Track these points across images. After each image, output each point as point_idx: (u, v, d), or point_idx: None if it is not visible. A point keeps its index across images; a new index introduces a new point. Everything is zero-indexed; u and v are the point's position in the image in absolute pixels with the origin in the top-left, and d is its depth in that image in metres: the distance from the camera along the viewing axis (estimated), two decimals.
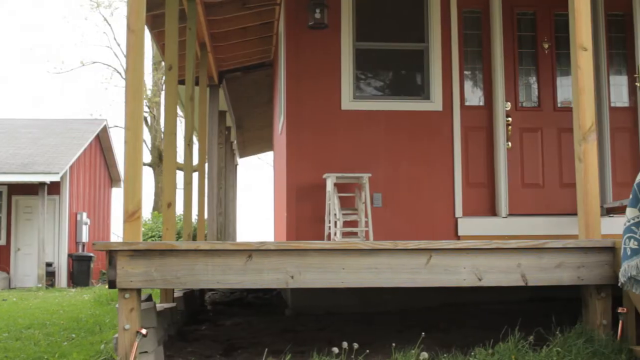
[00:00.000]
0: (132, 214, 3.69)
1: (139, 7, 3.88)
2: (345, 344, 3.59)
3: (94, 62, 27.55)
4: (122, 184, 18.27)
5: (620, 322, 3.70)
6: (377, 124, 6.24)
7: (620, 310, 3.71)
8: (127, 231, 3.68)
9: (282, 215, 6.74)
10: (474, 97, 6.44)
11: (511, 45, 6.44)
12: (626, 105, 6.51)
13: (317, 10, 6.11)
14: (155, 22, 7.48)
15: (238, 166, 16.41)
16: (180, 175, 6.75)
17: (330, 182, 5.90)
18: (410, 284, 3.73)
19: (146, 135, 19.75)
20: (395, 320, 5.27)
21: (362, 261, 3.70)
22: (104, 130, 17.42)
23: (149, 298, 4.08)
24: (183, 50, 8.20)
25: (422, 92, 6.35)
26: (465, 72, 6.45)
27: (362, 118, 6.23)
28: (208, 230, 9.36)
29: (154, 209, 19.11)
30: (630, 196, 3.64)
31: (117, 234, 19.64)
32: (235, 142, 14.72)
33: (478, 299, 5.69)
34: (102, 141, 17.75)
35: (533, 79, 6.52)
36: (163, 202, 5.30)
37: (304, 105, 6.19)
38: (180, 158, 7.21)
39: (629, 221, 3.58)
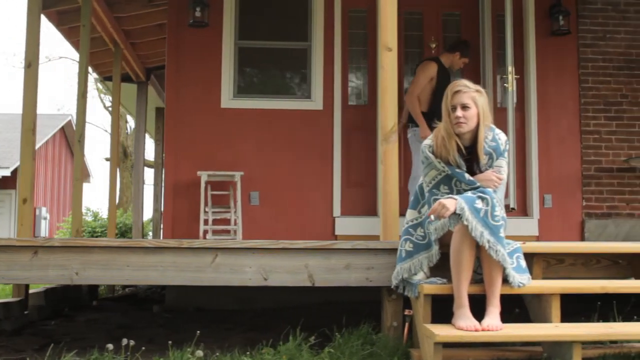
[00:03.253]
0: None
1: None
2: (125, 341, 3.61)
3: (60, 57, 27.20)
4: (91, 179, 18.37)
5: (407, 324, 3.68)
6: (257, 123, 6.24)
7: (406, 312, 3.68)
8: None
9: None
10: (358, 96, 6.42)
11: (402, 45, 6.39)
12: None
13: (197, 9, 6.12)
14: (62, 19, 7.52)
15: None
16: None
17: (202, 180, 5.91)
18: (196, 283, 3.74)
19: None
20: (245, 320, 5.27)
21: (147, 259, 3.71)
22: (69, 125, 17.53)
23: None
24: (102, 46, 8.29)
25: (304, 91, 6.35)
26: (350, 71, 6.43)
27: (242, 116, 6.23)
28: (133, 227, 9.39)
29: (119, 205, 19.17)
30: (412, 198, 3.63)
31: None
32: None
33: (356, 299, 5.66)
34: (68, 136, 17.86)
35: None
36: (21, 198, 5.31)
37: (184, 103, 6.20)
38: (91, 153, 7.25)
39: (407, 223, 3.56)
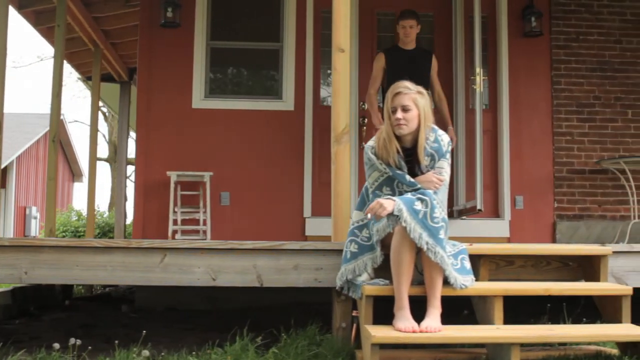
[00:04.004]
0: None
1: None
2: (73, 340, 3.63)
3: (53, 57, 27.16)
4: (84, 179, 18.40)
5: (354, 325, 3.68)
6: (228, 123, 6.25)
7: (354, 313, 3.69)
8: None
9: None
10: (330, 97, 6.41)
11: (370, 45, 6.42)
12: (486, 107, 6.44)
13: (169, 9, 6.14)
14: (40, 19, 7.55)
15: None
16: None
17: (172, 180, 5.93)
18: (145, 283, 3.75)
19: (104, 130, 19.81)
20: (210, 320, 5.28)
21: (96, 259, 3.72)
22: (61, 125, 17.57)
23: None
24: (82, 46, 8.32)
25: (275, 91, 6.36)
26: (322, 72, 6.44)
27: (213, 117, 6.24)
28: (116, 226, 9.41)
29: (110, 204, 19.21)
30: (358, 199, 3.63)
31: None
32: None
33: (327, 299, 5.67)
34: (60, 136, 17.88)
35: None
36: None
37: (155, 103, 6.22)
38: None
39: (353, 224, 3.57)
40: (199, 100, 6.23)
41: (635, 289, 4.01)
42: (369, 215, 3.23)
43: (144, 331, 4.36)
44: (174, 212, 5.91)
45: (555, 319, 3.90)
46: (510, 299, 3.73)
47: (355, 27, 6.31)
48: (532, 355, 3.43)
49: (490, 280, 3.68)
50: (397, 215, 3.17)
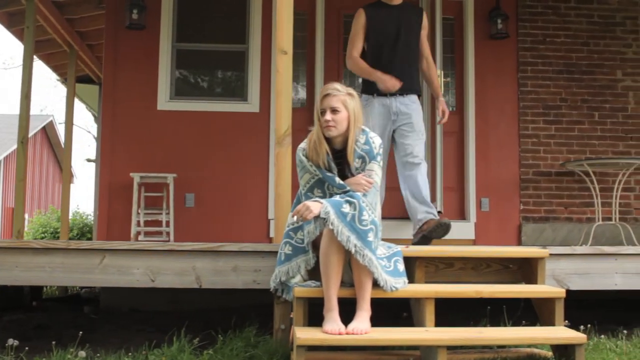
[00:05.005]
0: None
1: None
2: (11, 341, 3.64)
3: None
4: (75, 179, 18.41)
5: (292, 327, 3.68)
6: (194, 125, 6.26)
7: (292, 315, 3.69)
8: None
9: None
10: (296, 98, 6.43)
11: (336, 48, 6.42)
12: (453, 109, 6.44)
13: (134, 11, 6.15)
14: (13, 21, 7.58)
15: None
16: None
17: (135, 181, 5.94)
18: (84, 284, 3.78)
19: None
20: (167, 321, 5.27)
21: (36, 260, 3.74)
22: (51, 126, 17.66)
23: None
24: (58, 48, 8.34)
25: (241, 93, 6.37)
26: None
27: (179, 118, 6.25)
28: (94, 227, 9.41)
29: None
30: (294, 201, 3.64)
31: None
32: None
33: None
34: (50, 137, 17.99)
35: (358, 81, 6.48)
36: None
37: (120, 104, 6.23)
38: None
39: (288, 226, 3.58)
40: (164, 102, 6.24)
41: (597, 292, 4.02)
42: (294, 216, 3.24)
43: (97, 332, 4.40)
44: (138, 213, 5.92)
45: (496, 322, 3.89)
46: (456, 301, 3.75)
47: (322, 28, 6.32)
48: (466, 357, 3.43)
49: (428, 282, 3.69)
50: (325, 218, 3.17)
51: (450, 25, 6.51)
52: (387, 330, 3.27)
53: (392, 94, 4.81)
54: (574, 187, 6.40)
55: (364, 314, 3.23)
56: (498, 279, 3.81)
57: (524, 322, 3.80)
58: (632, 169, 6.03)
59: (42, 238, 11.13)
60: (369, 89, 4.89)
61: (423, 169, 4.86)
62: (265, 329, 3.95)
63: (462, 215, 6.35)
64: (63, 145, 19.15)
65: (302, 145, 3.47)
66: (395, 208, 5.89)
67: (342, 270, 3.25)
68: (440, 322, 3.40)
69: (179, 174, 6.08)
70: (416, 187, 4.80)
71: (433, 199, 5.67)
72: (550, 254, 3.82)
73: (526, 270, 3.78)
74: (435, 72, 5.15)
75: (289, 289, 3.48)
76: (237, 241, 4.25)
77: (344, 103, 3.34)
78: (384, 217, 6.10)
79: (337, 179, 3.35)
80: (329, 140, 3.39)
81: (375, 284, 3.28)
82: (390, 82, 4.73)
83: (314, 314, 3.51)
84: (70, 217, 11.73)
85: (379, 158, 3.42)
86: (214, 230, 6.11)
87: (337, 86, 3.40)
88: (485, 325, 3.80)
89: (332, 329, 3.14)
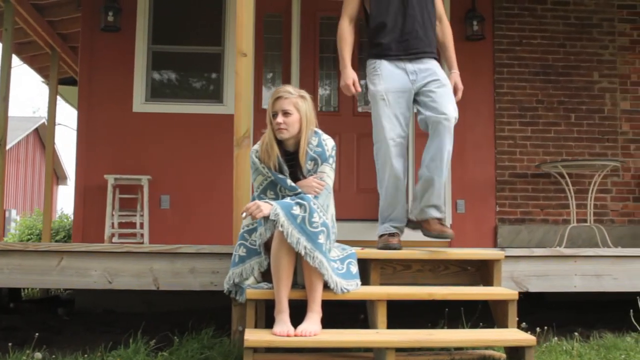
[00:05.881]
0: None
1: None
2: None
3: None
4: (68, 181, 18.45)
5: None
6: (169, 127, 6.27)
7: None
8: None
9: None
10: None
11: (312, 49, 6.43)
12: None
13: (110, 13, 6.17)
14: None
15: None
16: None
17: (110, 183, 5.95)
18: (42, 285, 3.80)
19: None
20: (137, 322, 5.27)
21: None
22: (44, 127, 17.65)
23: None
24: (40, 50, 8.36)
25: (217, 95, 6.38)
26: (266, 76, 6.45)
27: (154, 120, 6.27)
28: None
29: None
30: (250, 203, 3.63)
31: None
32: None
33: None
34: (43, 139, 18.01)
35: (335, 84, 6.50)
36: None
37: (96, 106, 6.26)
38: None
39: (243, 228, 3.58)
40: (140, 104, 6.26)
41: (576, 294, 4.02)
42: (243, 214, 3.26)
43: (62, 334, 4.40)
44: (112, 215, 5.93)
45: (455, 324, 3.89)
46: (416, 305, 3.75)
47: (297, 30, 6.33)
48: (422, 359, 3.43)
49: (384, 284, 3.69)
50: (275, 220, 3.18)
51: None
52: (338, 332, 3.27)
53: (406, 57, 3.82)
54: (550, 188, 6.40)
55: (314, 315, 3.23)
56: (456, 281, 3.81)
57: (481, 324, 3.80)
58: (608, 171, 6.02)
59: (28, 240, 11.14)
60: (376, 52, 3.90)
61: (449, 137, 3.78)
62: (227, 331, 3.96)
63: None
64: (54, 147, 19.24)
65: (255, 147, 3.48)
66: (369, 210, 5.90)
67: (293, 272, 3.25)
68: (399, 324, 3.40)
69: (155, 176, 6.09)
70: (438, 165, 3.85)
71: (407, 200, 5.65)
72: (508, 256, 3.83)
73: (484, 272, 3.78)
74: (451, 36, 4.03)
75: (242, 290, 3.48)
76: (214, 243, 4.24)
77: (295, 105, 3.35)
78: (357, 219, 6.13)
79: (289, 181, 3.35)
80: (281, 142, 3.40)
81: (327, 286, 3.28)
82: (346, 83, 3.85)
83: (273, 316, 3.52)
84: (57, 219, 11.76)
85: (331, 160, 3.42)
86: (190, 231, 6.12)
87: (289, 89, 3.40)
88: (443, 328, 3.80)
89: (281, 331, 3.14)
